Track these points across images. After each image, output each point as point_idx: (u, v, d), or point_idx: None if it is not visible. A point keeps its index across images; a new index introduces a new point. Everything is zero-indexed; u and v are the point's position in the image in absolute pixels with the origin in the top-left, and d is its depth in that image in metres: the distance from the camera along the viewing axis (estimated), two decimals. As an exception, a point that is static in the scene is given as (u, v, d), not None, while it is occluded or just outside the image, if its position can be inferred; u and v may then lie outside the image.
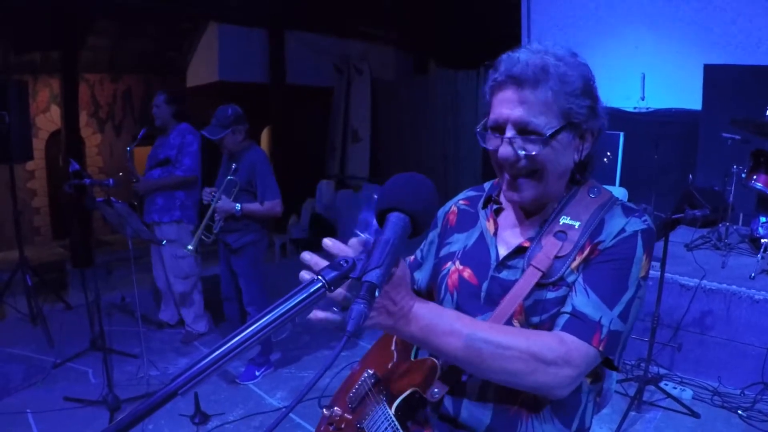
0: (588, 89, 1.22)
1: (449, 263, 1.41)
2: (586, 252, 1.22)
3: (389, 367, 1.46)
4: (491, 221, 1.38)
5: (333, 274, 0.89)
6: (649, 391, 3.75)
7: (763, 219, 4.60)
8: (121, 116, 8.61)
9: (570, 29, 6.98)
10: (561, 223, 1.26)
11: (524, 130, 1.19)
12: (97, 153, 8.50)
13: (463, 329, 1.12)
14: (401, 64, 11.06)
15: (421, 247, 1.58)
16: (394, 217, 1.00)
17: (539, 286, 1.22)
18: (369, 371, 1.48)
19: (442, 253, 1.46)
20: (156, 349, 4.75)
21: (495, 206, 1.40)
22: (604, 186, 1.35)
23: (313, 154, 10.36)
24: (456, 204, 1.52)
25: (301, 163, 9.67)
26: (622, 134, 5.97)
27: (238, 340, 0.83)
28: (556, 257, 1.23)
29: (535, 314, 1.23)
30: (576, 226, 1.25)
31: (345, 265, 0.91)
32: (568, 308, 1.19)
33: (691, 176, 5.37)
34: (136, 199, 4.83)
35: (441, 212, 1.54)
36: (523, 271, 1.25)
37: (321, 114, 10.48)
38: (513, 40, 7.17)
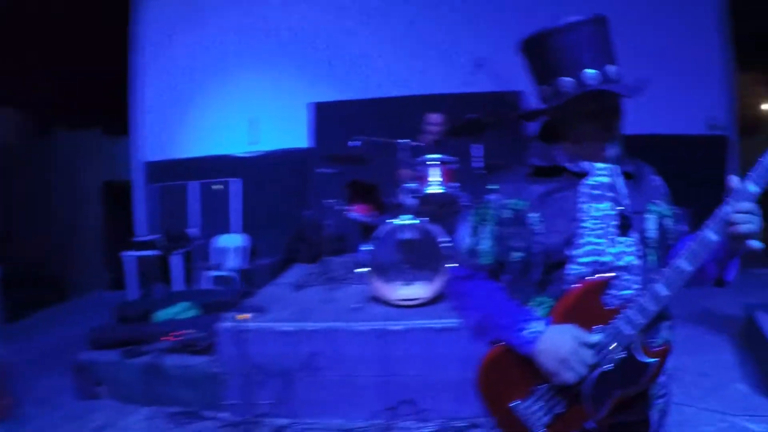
0: None
1: None
2: None
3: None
4: None
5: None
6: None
7: (365, 247, 4.71)
8: None
9: (179, 79, 6.76)
10: None
11: None
12: None
13: None
14: (22, 127, 9.90)
15: None
16: None
17: None
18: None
19: None
20: None
21: None
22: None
23: None
24: None
25: None
26: (240, 181, 5.88)
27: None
28: None
29: None
30: None
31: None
32: None
33: (305, 213, 5.41)
34: None
35: None
36: None
37: None
38: (125, 95, 6.91)
